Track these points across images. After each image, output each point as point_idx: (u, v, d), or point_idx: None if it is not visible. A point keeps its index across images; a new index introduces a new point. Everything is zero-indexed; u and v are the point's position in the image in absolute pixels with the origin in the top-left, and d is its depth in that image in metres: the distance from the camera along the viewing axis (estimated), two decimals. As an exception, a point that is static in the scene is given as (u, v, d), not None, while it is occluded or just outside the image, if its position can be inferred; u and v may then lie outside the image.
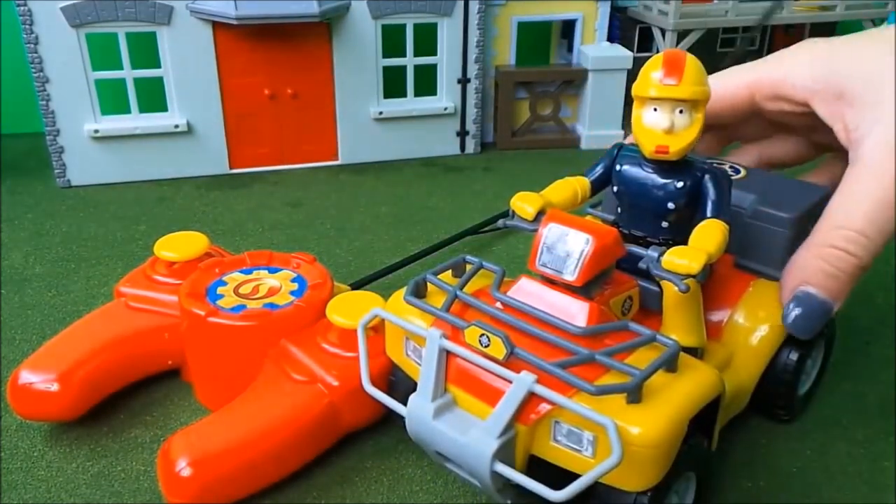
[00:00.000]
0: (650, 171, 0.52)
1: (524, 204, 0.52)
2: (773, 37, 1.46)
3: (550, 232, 0.48)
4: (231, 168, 1.11)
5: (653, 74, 0.48)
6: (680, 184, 0.51)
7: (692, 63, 0.47)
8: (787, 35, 1.46)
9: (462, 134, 1.20)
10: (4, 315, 0.75)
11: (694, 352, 0.50)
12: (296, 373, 0.57)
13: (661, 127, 0.48)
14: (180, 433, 0.52)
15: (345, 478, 0.56)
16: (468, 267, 0.54)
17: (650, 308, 0.53)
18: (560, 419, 0.44)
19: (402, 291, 0.52)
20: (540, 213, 0.52)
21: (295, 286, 0.63)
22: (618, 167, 0.53)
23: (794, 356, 0.58)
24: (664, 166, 0.51)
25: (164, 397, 0.64)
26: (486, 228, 0.92)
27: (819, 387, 0.66)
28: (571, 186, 0.55)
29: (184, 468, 0.49)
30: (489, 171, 1.16)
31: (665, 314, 0.51)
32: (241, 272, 0.65)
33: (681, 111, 0.48)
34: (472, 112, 1.19)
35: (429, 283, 0.52)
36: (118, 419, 0.61)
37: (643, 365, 0.43)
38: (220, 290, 0.62)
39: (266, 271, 0.65)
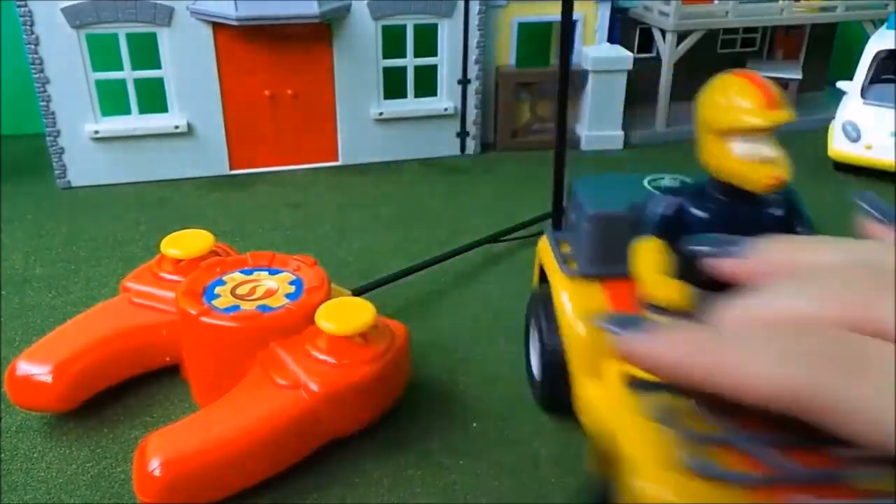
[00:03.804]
0: (742, 205, 0.47)
1: (666, 293, 0.45)
2: (773, 38, 1.46)
3: None
4: (231, 169, 1.11)
5: (746, 104, 0.44)
6: (779, 212, 0.48)
7: (773, 83, 0.45)
8: (788, 35, 1.45)
9: (462, 135, 1.20)
10: (4, 316, 0.75)
11: None
12: (280, 377, 0.56)
13: (772, 157, 0.44)
14: (157, 433, 0.52)
15: (345, 479, 0.56)
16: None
17: None
18: None
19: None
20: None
21: (292, 289, 0.62)
22: (693, 211, 0.48)
23: None
24: (750, 199, 0.46)
25: (165, 398, 0.64)
26: (503, 238, 0.89)
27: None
28: (659, 253, 0.48)
29: (156, 468, 0.49)
30: (490, 171, 1.15)
31: None
32: (241, 272, 0.65)
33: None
34: (472, 113, 1.19)
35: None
36: (118, 420, 0.61)
37: None
38: (218, 289, 0.62)
39: (266, 272, 0.65)
